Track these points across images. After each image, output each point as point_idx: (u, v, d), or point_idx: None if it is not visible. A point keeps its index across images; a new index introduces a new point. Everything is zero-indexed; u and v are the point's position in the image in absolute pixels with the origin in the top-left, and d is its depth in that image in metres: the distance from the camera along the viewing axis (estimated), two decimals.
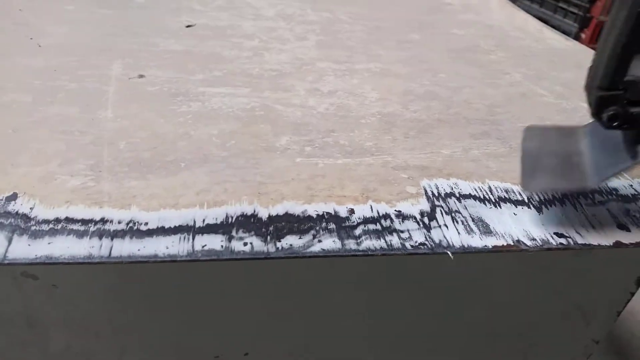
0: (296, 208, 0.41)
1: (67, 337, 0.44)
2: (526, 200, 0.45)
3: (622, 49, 0.32)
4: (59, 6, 0.72)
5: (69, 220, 0.39)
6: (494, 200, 0.44)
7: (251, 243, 0.37)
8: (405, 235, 0.39)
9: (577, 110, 0.61)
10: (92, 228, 0.38)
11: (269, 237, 0.38)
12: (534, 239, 0.41)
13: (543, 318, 0.49)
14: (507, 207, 0.44)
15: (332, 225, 0.39)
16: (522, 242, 0.40)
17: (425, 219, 0.41)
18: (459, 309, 0.46)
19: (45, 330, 0.43)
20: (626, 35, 0.32)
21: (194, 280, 0.40)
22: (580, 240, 0.41)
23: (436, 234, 0.40)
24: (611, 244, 0.41)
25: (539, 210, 0.44)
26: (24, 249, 0.37)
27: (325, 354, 0.48)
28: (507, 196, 0.45)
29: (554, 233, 0.42)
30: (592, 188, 0.39)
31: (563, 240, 0.41)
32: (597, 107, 0.34)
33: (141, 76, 0.55)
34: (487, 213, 0.43)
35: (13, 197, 0.41)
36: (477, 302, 0.46)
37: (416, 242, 0.39)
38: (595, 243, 0.41)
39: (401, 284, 0.42)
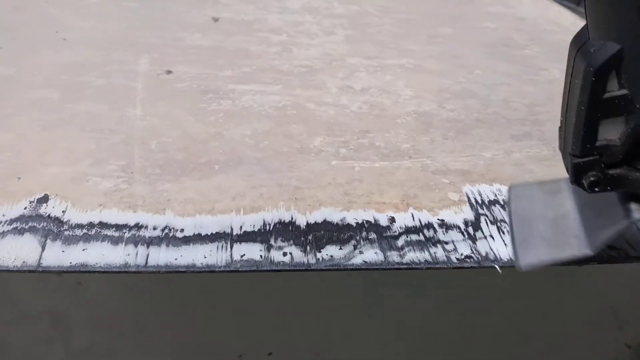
0: (334, 215, 0.40)
1: (91, 335, 0.43)
2: None
3: (586, 118, 0.30)
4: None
5: (102, 225, 0.38)
6: None
7: (291, 253, 0.36)
8: (450, 247, 0.38)
9: None
10: (127, 234, 0.37)
11: (308, 247, 0.37)
12: None
13: (574, 321, 0.48)
14: None
15: (372, 235, 0.38)
16: None
17: (470, 229, 0.39)
18: (490, 315, 0.45)
19: (70, 329, 0.42)
20: (587, 104, 0.30)
21: (228, 288, 0.39)
22: (632, 253, 0.39)
23: (482, 246, 0.38)
24: None
25: None
26: (58, 255, 0.36)
27: (352, 354, 0.46)
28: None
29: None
30: (590, 255, 0.35)
31: (614, 253, 0.39)
32: (575, 175, 0.32)
33: (169, 72, 0.53)
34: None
35: (44, 199, 0.40)
36: (508, 308, 0.45)
37: (462, 254, 0.37)
38: None
39: (441, 296, 0.41)
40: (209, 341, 0.44)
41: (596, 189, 0.32)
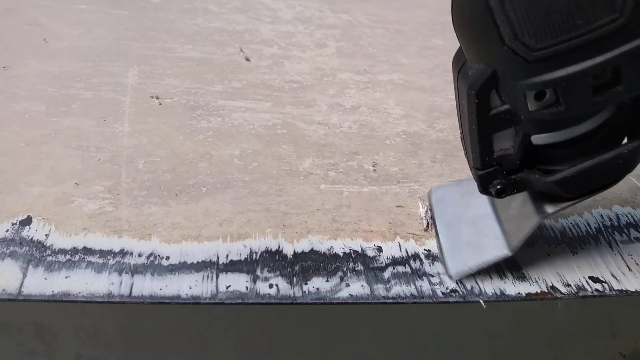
0: (322, 245, 0.39)
1: (76, 346, 0.42)
2: (559, 238, 0.43)
3: (479, 135, 0.32)
4: (73, 5, 0.70)
5: (86, 251, 0.38)
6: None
7: (277, 285, 0.36)
8: (435, 279, 0.38)
9: None
10: (112, 261, 0.37)
11: (294, 279, 0.37)
12: (568, 285, 0.39)
13: (570, 330, 0.48)
14: (539, 247, 0.42)
15: (359, 267, 0.38)
16: (557, 288, 0.39)
17: None
18: (485, 323, 0.45)
19: (55, 340, 0.42)
20: (476, 123, 0.31)
21: (212, 317, 0.39)
22: (616, 286, 0.40)
23: (467, 279, 0.38)
24: None
25: (572, 249, 0.42)
26: (39, 283, 0.35)
27: None
28: (539, 232, 0.44)
29: (589, 277, 0.40)
30: (510, 255, 0.37)
31: (599, 286, 0.40)
32: (482, 186, 0.34)
33: (157, 98, 0.53)
34: (520, 254, 0.41)
35: (27, 221, 0.40)
36: (503, 316, 0.45)
37: (447, 288, 0.37)
38: (633, 289, 0.40)
39: (426, 330, 0.41)
40: (198, 352, 0.43)
41: (504, 195, 0.34)
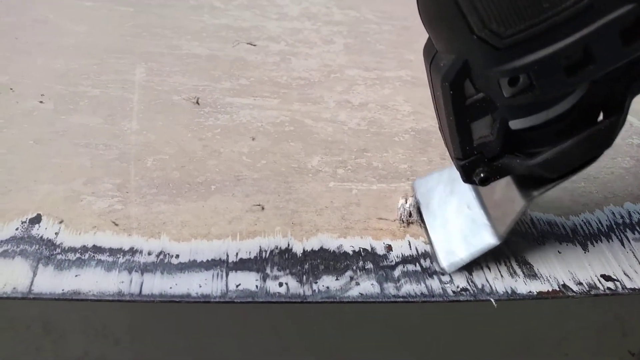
0: (331, 243, 0.39)
1: (84, 343, 0.42)
2: (570, 235, 0.43)
3: (457, 125, 0.32)
4: (78, 2, 0.70)
5: (96, 249, 0.37)
6: (536, 236, 0.42)
7: (286, 283, 0.36)
8: (446, 278, 0.37)
9: None
10: (121, 259, 0.37)
11: (304, 277, 0.36)
12: (580, 283, 0.39)
13: (579, 328, 0.48)
14: (550, 244, 0.42)
15: (369, 265, 0.38)
16: (569, 287, 0.38)
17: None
18: (493, 321, 0.44)
19: (62, 337, 0.42)
20: (453, 114, 0.31)
21: (221, 316, 0.39)
22: (629, 284, 0.39)
23: (478, 277, 0.38)
24: None
25: (584, 247, 0.42)
26: (50, 282, 0.35)
27: None
28: (550, 230, 0.43)
29: (601, 275, 0.40)
30: (499, 243, 0.37)
31: (611, 285, 0.39)
32: (465, 175, 0.34)
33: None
34: (531, 251, 0.41)
35: (37, 219, 0.40)
36: (512, 314, 0.44)
37: (458, 287, 0.37)
38: None
39: (436, 328, 0.41)
40: (206, 350, 0.43)
41: (487, 183, 0.34)
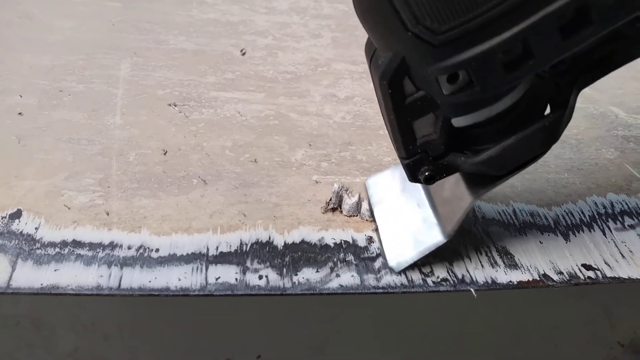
0: (313, 235, 0.39)
1: (75, 339, 0.42)
2: (552, 226, 0.43)
3: (398, 124, 0.31)
4: None
5: (76, 244, 0.37)
6: (518, 226, 0.42)
7: (266, 276, 0.36)
8: (426, 269, 0.37)
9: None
10: (101, 254, 0.37)
11: (284, 270, 0.36)
12: (560, 273, 0.39)
13: (567, 320, 0.48)
14: (532, 234, 0.42)
15: (350, 257, 0.38)
16: (549, 276, 0.38)
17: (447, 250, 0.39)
18: (482, 313, 0.44)
19: (53, 333, 0.42)
20: (393, 112, 0.31)
21: (204, 307, 0.39)
22: (609, 273, 0.40)
23: (458, 268, 0.38)
24: None
25: (565, 237, 0.42)
26: (28, 276, 0.35)
27: (345, 355, 0.46)
28: (532, 221, 0.43)
29: (582, 265, 0.40)
30: (446, 241, 0.36)
31: (591, 274, 0.39)
32: (411, 174, 0.34)
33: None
34: (512, 242, 0.41)
35: (17, 214, 0.39)
36: (500, 306, 0.44)
37: (438, 277, 0.37)
38: (625, 276, 0.40)
39: (421, 320, 0.41)
40: (196, 344, 0.43)
41: (433, 182, 0.34)
